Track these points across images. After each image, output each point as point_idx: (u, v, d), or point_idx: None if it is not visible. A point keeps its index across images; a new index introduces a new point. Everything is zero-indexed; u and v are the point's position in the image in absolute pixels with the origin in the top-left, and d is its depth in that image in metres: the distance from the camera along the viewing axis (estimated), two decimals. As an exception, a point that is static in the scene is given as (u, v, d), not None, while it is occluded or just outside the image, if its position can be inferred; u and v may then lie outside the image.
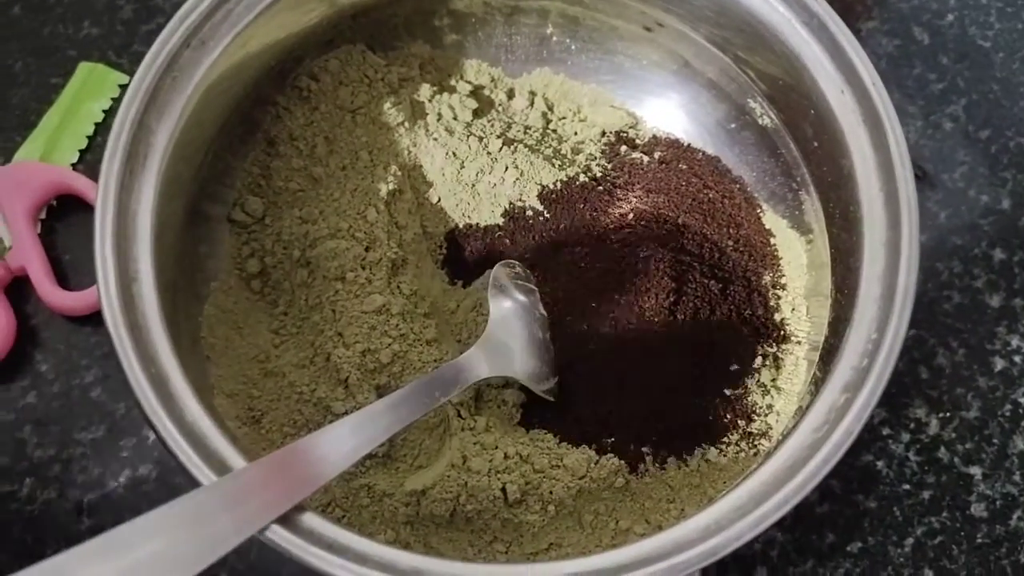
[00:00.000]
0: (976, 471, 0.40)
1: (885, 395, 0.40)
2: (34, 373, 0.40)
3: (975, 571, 0.38)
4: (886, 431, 0.40)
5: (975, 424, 0.41)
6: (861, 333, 0.31)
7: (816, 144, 0.36)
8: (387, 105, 0.40)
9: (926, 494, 0.39)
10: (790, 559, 0.38)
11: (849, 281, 0.33)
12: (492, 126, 0.41)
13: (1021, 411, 0.41)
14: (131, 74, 0.45)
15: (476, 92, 0.42)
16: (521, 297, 0.37)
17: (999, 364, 0.42)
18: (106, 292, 0.30)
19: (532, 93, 0.43)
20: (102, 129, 0.44)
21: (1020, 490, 0.40)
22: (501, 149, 0.40)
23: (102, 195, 0.31)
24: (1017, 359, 0.42)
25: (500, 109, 0.42)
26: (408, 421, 0.30)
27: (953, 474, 0.40)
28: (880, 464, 0.40)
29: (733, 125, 0.41)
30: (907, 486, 0.40)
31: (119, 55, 0.46)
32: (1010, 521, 0.39)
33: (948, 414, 0.41)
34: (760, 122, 0.39)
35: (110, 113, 0.45)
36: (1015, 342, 0.42)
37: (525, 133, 0.42)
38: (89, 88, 0.45)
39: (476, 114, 0.41)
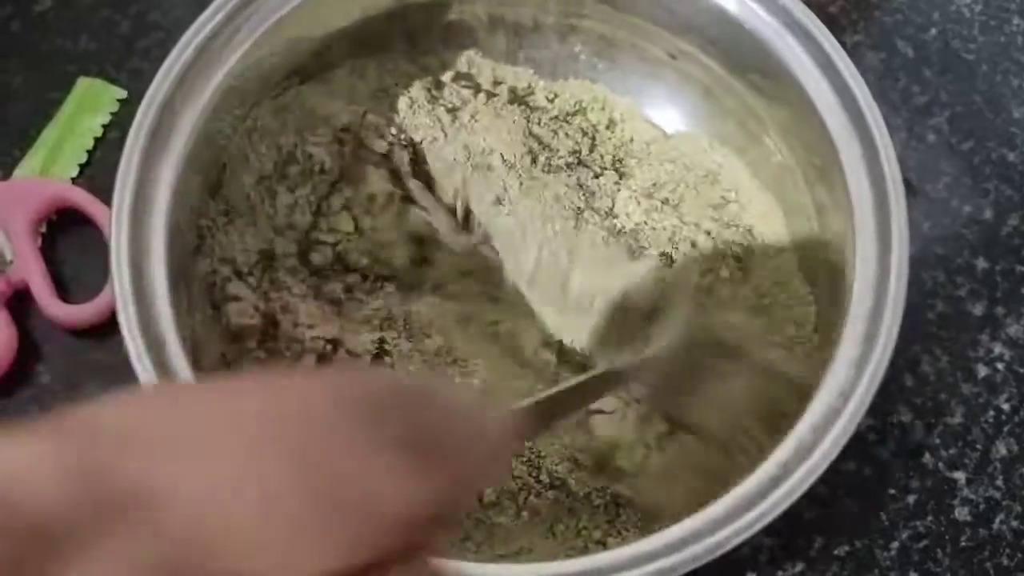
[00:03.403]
0: (960, 476, 0.41)
1: (870, 403, 0.41)
2: (37, 385, 0.40)
3: (959, 574, 0.39)
4: (872, 437, 0.41)
5: (959, 430, 0.42)
6: (854, 334, 0.32)
7: (823, 186, 0.37)
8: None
9: (911, 499, 0.40)
10: (778, 564, 0.39)
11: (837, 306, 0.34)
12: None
13: (1004, 417, 0.42)
14: (129, 89, 0.46)
15: (519, 96, 0.43)
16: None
17: (982, 371, 0.43)
18: (125, 315, 0.31)
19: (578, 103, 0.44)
20: (101, 144, 0.45)
21: (1003, 494, 0.41)
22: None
23: (116, 219, 0.32)
24: (1000, 366, 0.43)
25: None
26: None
27: (937, 479, 0.41)
28: (866, 470, 0.41)
29: (749, 157, 0.42)
30: (892, 491, 0.40)
31: (117, 70, 0.47)
32: (993, 525, 0.40)
33: (932, 420, 0.42)
34: (773, 159, 0.40)
35: (109, 128, 0.45)
36: (998, 349, 0.43)
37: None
38: (88, 103, 0.46)
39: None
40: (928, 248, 0.45)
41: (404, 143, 0.40)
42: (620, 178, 0.42)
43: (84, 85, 0.46)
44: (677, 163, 0.42)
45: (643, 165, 0.42)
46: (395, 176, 0.40)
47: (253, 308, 0.36)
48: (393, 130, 0.40)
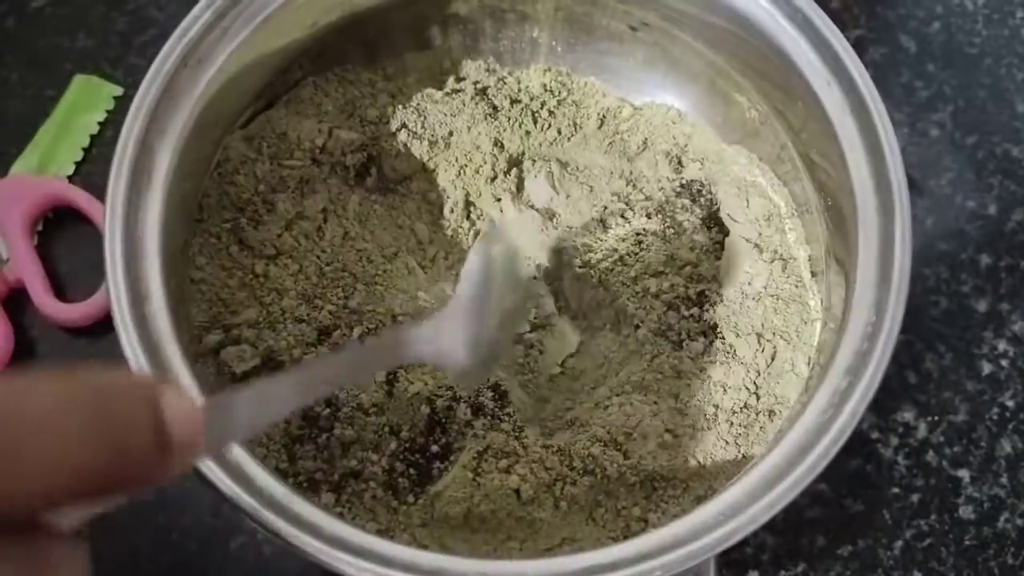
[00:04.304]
0: (964, 474, 0.41)
1: (874, 399, 0.41)
2: (32, 384, 0.40)
3: (963, 573, 0.39)
4: (875, 435, 0.41)
5: (963, 427, 0.41)
6: (860, 317, 0.31)
7: (805, 133, 0.37)
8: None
9: (915, 497, 0.40)
10: (781, 563, 0.39)
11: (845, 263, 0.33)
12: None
13: (1008, 414, 0.42)
14: (126, 86, 0.46)
15: (482, 92, 0.42)
16: (483, 294, 0.33)
17: (986, 368, 0.42)
18: (120, 314, 0.30)
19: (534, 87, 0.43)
20: (97, 141, 0.45)
21: (1007, 492, 0.40)
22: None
23: (109, 217, 0.31)
24: (1004, 363, 0.42)
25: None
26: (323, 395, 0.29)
27: (941, 477, 0.40)
28: (869, 468, 0.40)
29: (721, 119, 0.41)
30: (896, 489, 0.40)
31: (114, 67, 0.46)
32: (997, 523, 0.40)
33: (936, 418, 0.41)
34: (748, 115, 0.40)
35: (105, 125, 0.45)
36: (1002, 346, 0.43)
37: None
38: (84, 100, 0.45)
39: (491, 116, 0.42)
40: (931, 244, 0.44)
41: (375, 153, 0.40)
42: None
43: (80, 82, 0.46)
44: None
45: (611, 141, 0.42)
46: (373, 187, 0.40)
47: (252, 350, 0.36)
48: (365, 141, 0.40)
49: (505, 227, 0.40)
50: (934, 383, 0.42)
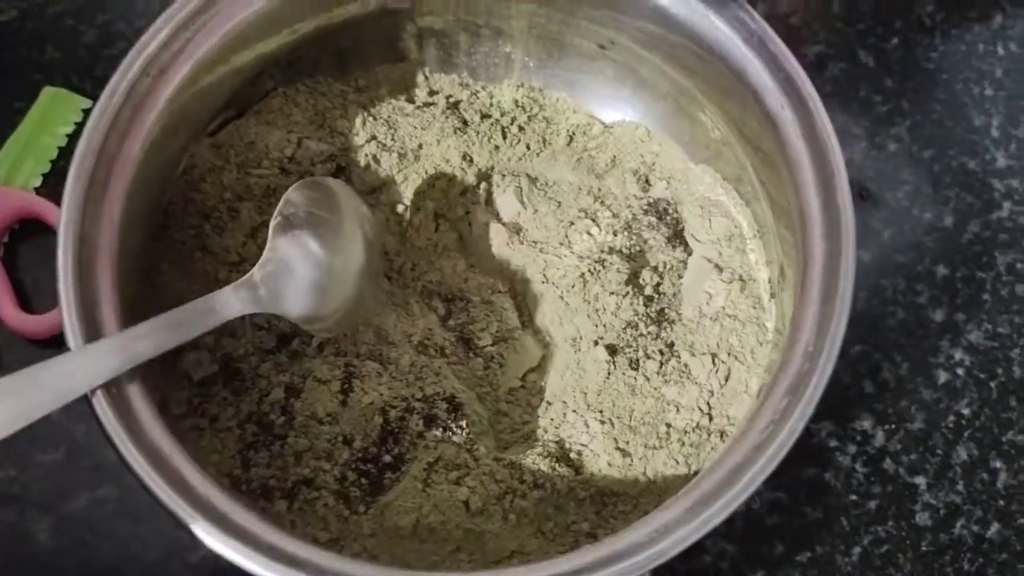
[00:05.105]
0: (921, 481, 0.41)
1: (832, 408, 0.42)
2: (-4, 396, 0.40)
3: (920, 578, 0.40)
4: (833, 443, 0.41)
5: (919, 435, 0.42)
6: (802, 338, 0.32)
7: (761, 154, 0.37)
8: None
9: (872, 504, 0.41)
10: (740, 570, 0.39)
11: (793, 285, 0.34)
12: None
13: (964, 422, 0.42)
14: (94, 98, 0.46)
15: (453, 106, 0.43)
16: (307, 229, 0.35)
17: (942, 377, 0.43)
18: (68, 316, 0.31)
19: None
20: (65, 153, 0.45)
21: (963, 499, 0.41)
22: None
23: (64, 220, 0.32)
24: (960, 371, 0.43)
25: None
26: (145, 357, 0.30)
27: (898, 484, 0.41)
28: (827, 475, 0.41)
29: (687, 138, 0.42)
30: (854, 496, 0.41)
31: (82, 79, 0.46)
32: (953, 529, 0.41)
33: (893, 426, 0.42)
34: (712, 134, 0.41)
35: (73, 137, 0.45)
36: (958, 355, 0.43)
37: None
38: (53, 112, 0.46)
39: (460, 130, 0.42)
40: (889, 256, 0.45)
41: (344, 164, 0.41)
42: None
43: (49, 94, 0.46)
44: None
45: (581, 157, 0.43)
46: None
47: (210, 356, 0.36)
48: (334, 152, 0.40)
49: (344, 190, 0.39)
50: (891, 392, 0.43)
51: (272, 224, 0.35)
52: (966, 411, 0.43)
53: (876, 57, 0.49)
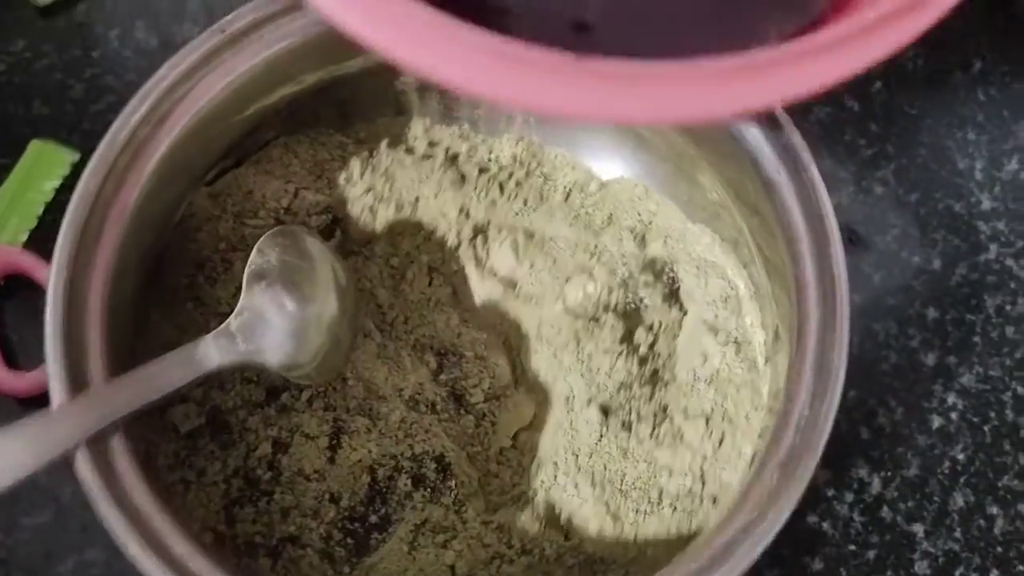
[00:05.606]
0: (918, 528, 0.41)
1: (828, 456, 0.41)
2: (-21, 458, 0.39)
3: (921, 628, 0.39)
4: (830, 492, 0.41)
5: (915, 482, 0.42)
6: (796, 407, 0.32)
7: (757, 218, 0.37)
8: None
9: (871, 553, 0.40)
10: (740, 624, 0.38)
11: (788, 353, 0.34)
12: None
13: (959, 468, 0.42)
14: (82, 152, 0.46)
15: (452, 159, 0.43)
16: (280, 278, 0.35)
17: (936, 422, 0.43)
18: (54, 370, 0.31)
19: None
20: (52, 208, 0.45)
21: (961, 546, 0.41)
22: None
23: (56, 265, 0.32)
24: (954, 415, 0.43)
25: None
26: (127, 411, 0.30)
27: (896, 532, 0.41)
28: (825, 525, 0.41)
29: (686, 198, 0.42)
30: (853, 546, 0.40)
31: (70, 134, 0.46)
32: (953, 577, 0.40)
33: (889, 473, 0.42)
34: (709, 196, 0.41)
35: (60, 192, 0.45)
36: (951, 399, 0.43)
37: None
38: (40, 167, 0.45)
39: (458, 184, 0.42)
40: (879, 300, 0.45)
41: (340, 215, 0.40)
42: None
43: (36, 148, 0.46)
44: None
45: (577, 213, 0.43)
46: (336, 249, 0.40)
47: (197, 408, 0.36)
48: (331, 203, 0.40)
49: (312, 236, 0.39)
50: (886, 438, 0.42)
51: (246, 273, 0.35)
52: (961, 456, 0.42)
53: (860, 102, 0.50)
